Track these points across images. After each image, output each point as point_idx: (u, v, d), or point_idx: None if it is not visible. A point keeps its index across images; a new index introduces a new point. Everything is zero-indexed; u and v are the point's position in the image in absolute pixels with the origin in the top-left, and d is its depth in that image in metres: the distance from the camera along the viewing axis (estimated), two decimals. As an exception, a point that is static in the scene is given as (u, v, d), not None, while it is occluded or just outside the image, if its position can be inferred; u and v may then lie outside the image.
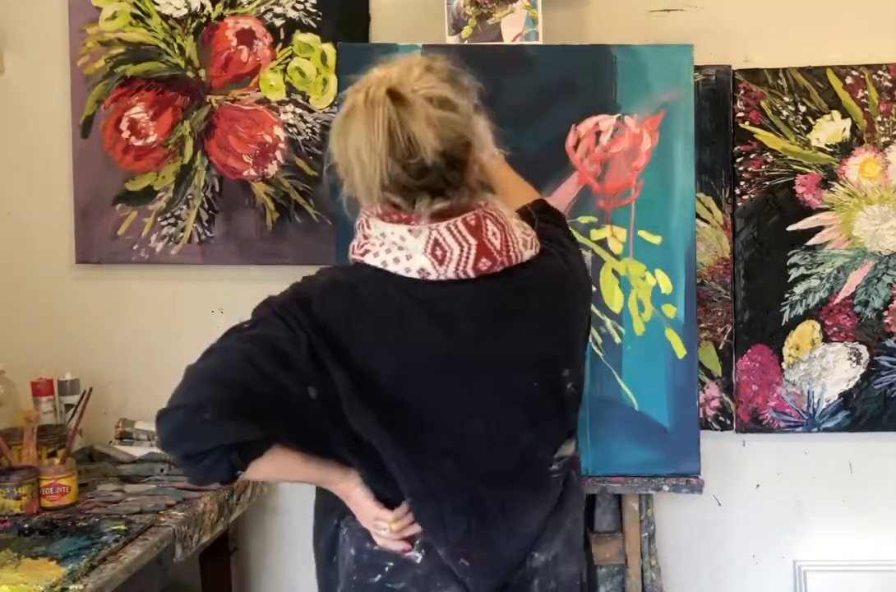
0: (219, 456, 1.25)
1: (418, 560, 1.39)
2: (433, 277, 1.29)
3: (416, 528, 1.38)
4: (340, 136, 1.28)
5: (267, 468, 1.31)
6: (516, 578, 1.42)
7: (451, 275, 1.29)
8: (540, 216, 1.45)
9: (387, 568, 1.39)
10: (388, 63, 1.31)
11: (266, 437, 1.29)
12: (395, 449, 1.32)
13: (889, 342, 2.30)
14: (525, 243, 1.34)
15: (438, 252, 1.28)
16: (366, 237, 1.33)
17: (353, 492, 1.38)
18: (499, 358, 1.33)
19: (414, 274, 1.29)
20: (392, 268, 1.29)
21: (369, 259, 1.31)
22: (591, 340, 2.06)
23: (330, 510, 1.46)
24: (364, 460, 1.36)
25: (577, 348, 1.46)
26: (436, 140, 1.23)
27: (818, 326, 2.30)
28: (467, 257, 1.28)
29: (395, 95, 1.23)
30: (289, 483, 1.35)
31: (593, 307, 2.07)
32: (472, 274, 1.29)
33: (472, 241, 1.28)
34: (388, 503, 1.38)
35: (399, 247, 1.29)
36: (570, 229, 1.55)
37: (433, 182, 1.26)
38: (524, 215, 1.41)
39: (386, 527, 1.37)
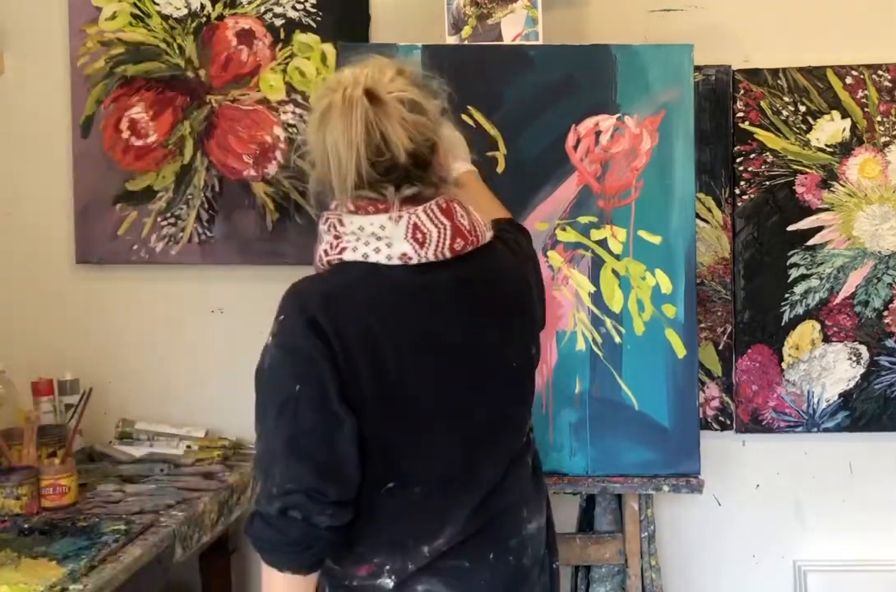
0: None
1: None
2: (415, 261, 1.32)
3: None
4: (319, 131, 1.32)
5: None
6: None
7: (430, 257, 1.33)
8: (506, 228, 1.54)
9: None
10: (359, 63, 1.36)
11: None
12: None
13: (889, 342, 2.30)
14: (486, 226, 1.42)
15: (419, 235, 1.32)
16: (337, 238, 1.34)
17: None
18: (482, 340, 1.38)
19: (396, 261, 1.32)
20: (373, 258, 1.32)
21: (348, 256, 1.33)
22: (591, 339, 2.07)
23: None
24: None
25: (538, 329, 1.52)
26: (407, 140, 1.29)
27: (818, 326, 2.30)
28: (444, 238, 1.33)
29: (371, 96, 1.29)
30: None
31: (593, 307, 2.07)
32: (448, 254, 1.34)
33: (446, 222, 1.34)
34: None
35: (378, 237, 1.32)
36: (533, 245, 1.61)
37: (397, 179, 1.32)
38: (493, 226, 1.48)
39: None
